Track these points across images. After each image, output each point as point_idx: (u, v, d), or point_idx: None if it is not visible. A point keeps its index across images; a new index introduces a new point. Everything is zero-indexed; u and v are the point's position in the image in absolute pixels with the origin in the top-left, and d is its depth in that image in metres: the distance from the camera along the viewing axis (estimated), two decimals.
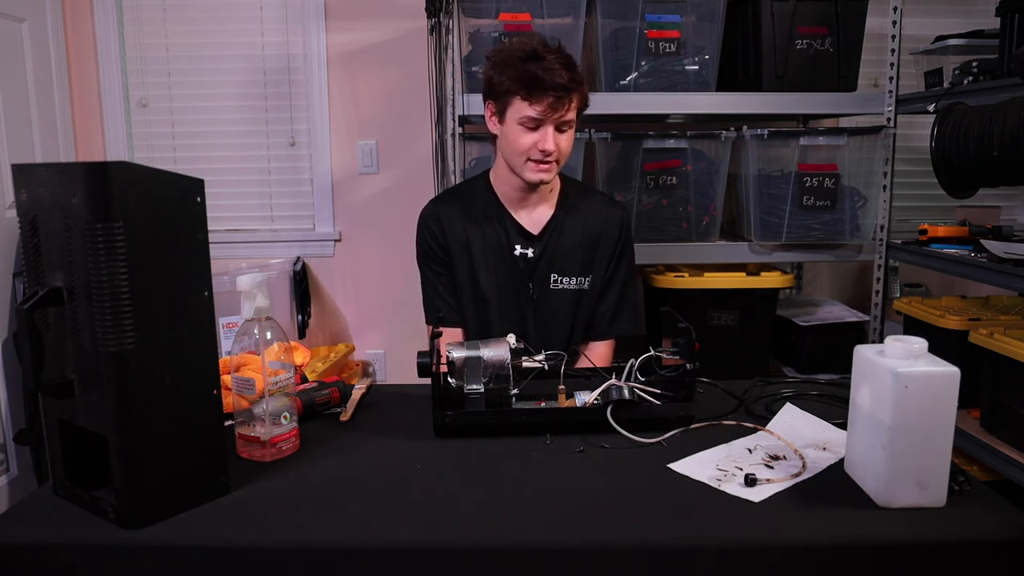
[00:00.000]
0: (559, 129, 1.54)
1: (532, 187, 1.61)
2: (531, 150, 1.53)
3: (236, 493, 0.99)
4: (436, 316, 1.49)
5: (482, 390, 1.19)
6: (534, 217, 1.67)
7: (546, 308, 1.67)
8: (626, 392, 1.18)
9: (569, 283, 1.67)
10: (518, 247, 1.65)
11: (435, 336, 1.20)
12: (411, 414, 1.27)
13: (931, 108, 2.17)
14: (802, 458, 1.07)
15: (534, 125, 1.52)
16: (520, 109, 1.51)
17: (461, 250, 1.66)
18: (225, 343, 2.37)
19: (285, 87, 2.88)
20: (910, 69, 2.44)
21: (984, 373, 1.88)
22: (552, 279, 1.66)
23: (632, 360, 1.26)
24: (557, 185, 1.70)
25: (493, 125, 1.60)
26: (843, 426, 1.07)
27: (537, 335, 1.64)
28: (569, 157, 1.63)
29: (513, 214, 1.66)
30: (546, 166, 1.55)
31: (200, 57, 2.85)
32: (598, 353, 1.68)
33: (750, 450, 1.11)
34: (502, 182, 1.66)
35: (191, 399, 0.94)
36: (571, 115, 1.54)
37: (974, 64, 2.08)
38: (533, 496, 0.98)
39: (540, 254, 1.66)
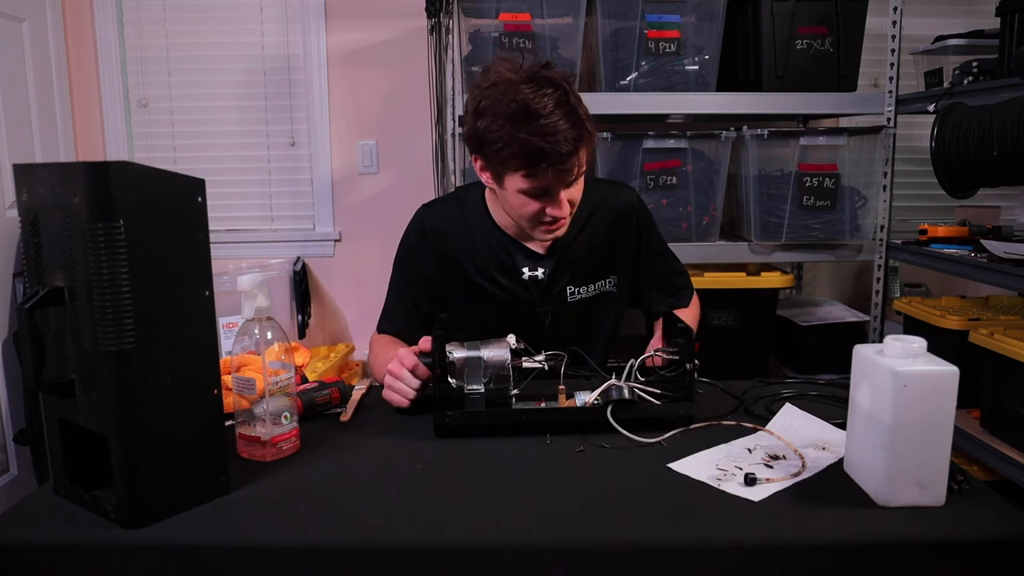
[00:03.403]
0: (568, 185, 1.35)
1: None
2: (539, 214, 1.37)
3: (236, 493, 0.99)
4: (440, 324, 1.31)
5: (482, 390, 1.19)
6: None
7: (566, 323, 1.54)
8: (626, 392, 1.18)
9: (588, 291, 1.54)
10: (526, 270, 1.51)
11: (436, 337, 1.20)
12: (411, 414, 1.27)
13: (931, 108, 2.17)
14: (802, 458, 1.07)
15: (539, 194, 1.34)
16: (518, 182, 1.33)
17: (450, 277, 1.53)
18: (225, 343, 2.37)
19: (285, 87, 2.88)
20: (910, 69, 2.44)
21: (984, 373, 1.88)
22: (569, 292, 1.52)
23: (632, 360, 1.26)
24: None
25: (486, 180, 1.41)
26: (843, 426, 1.07)
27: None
28: None
29: (517, 239, 1.51)
30: (558, 225, 1.40)
31: (200, 57, 2.85)
32: (685, 316, 1.55)
33: (750, 450, 1.11)
34: (503, 217, 1.49)
35: (191, 399, 0.94)
36: (581, 170, 1.35)
37: (974, 64, 2.08)
38: (533, 496, 0.98)
39: (552, 272, 1.51)
